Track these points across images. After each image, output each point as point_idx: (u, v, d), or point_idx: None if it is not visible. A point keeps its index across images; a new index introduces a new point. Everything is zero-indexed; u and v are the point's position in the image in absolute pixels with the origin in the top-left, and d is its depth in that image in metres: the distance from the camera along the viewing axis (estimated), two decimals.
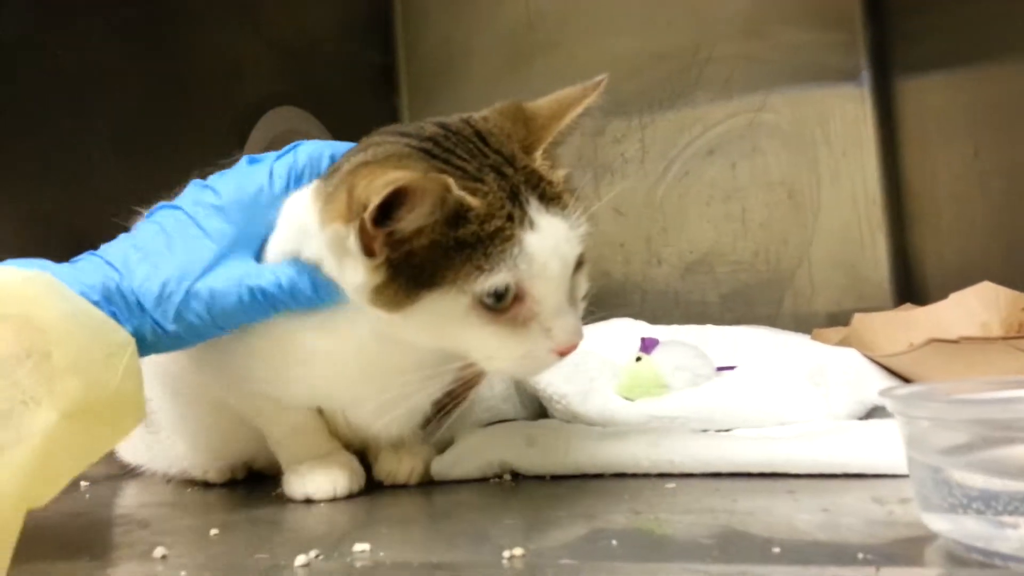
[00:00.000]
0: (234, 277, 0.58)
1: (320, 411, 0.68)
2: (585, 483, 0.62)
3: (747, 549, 0.43)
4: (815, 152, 1.32)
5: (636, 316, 1.13)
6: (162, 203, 0.62)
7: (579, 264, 0.57)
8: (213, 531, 0.55)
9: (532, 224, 0.53)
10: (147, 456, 0.79)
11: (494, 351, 0.55)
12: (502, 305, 0.53)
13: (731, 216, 1.35)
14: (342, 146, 0.62)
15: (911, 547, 0.41)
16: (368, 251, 0.52)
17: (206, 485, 0.76)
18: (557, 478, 0.64)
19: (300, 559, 0.46)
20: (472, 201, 0.51)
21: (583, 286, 0.59)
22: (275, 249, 0.60)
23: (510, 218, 0.52)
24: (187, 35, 1.09)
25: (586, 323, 1.11)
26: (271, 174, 0.61)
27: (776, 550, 0.41)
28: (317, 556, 0.47)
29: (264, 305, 0.58)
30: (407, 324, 0.54)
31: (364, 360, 0.60)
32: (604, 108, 1.52)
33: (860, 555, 0.39)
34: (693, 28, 1.37)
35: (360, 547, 0.48)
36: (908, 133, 1.27)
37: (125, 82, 0.97)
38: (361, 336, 0.58)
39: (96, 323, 0.53)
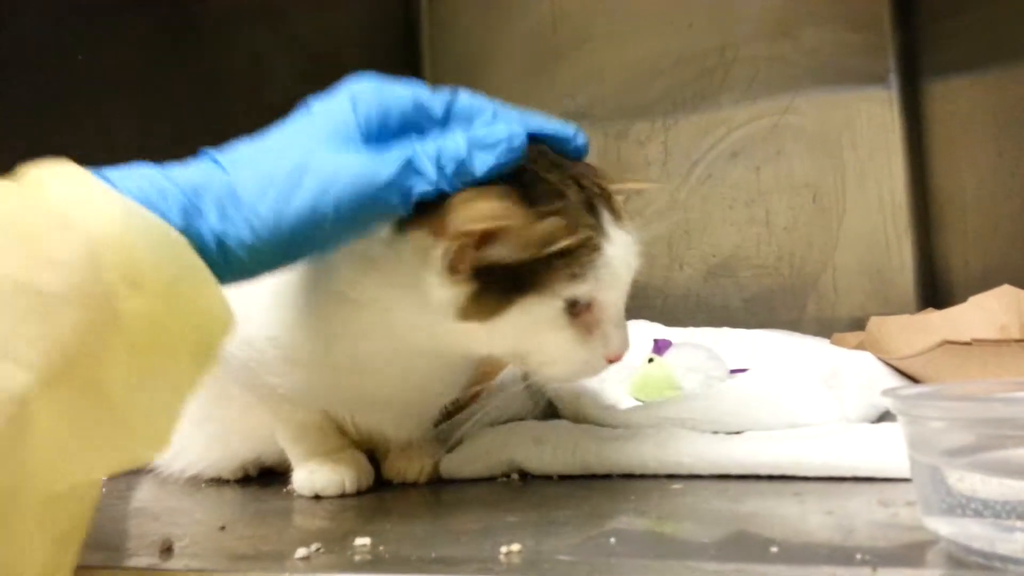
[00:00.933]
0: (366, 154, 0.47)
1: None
2: (592, 483, 0.62)
3: (745, 549, 0.42)
4: (841, 155, 1.31)
5: (657, 320, 1.12)
6: None
7: None
8: (220, 525, 0.56)
9: (608, 236, 0.55)
10: (163, 459, 0.79)
11: (561, 356, 0.56)
12: (574, 311, 0.55)
13: (755, 219, 1.34)
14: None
15: (912, 549, 0.41)
16: (453, 269, 0.52)
17: (220, 481, 0.77)
18: (565, 478, 0.64)
19: (300, 551, 0.47)
20: (560, 228, 0.52)
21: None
22: None
23: (592, 228, 0.54)
24: (212, 38, 1.11)
25: None
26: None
27: (774, 550, 0.41)
28: (318, 549, 0.47)
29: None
30: (490, 332, 0.54)
31: (404, 372, 0.61)
32: (627, 110, 1.52)
33: (858, 556, 0.39)
34: (718, 29, 1.36)
35: (361, 541, 0.48)
36: (935, 137, 1.25)
37: (147, 86, 0.98)
38: (410, 348, 0.59)
39: (162, 227, 0.42)
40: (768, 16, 1.33)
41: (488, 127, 0.50)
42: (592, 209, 0.55)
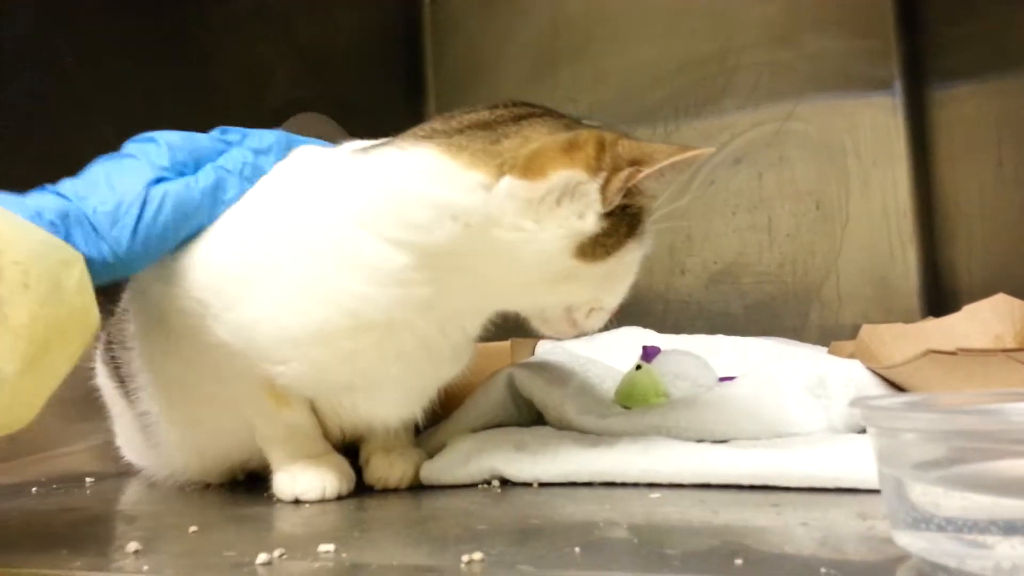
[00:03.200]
0: (184, 179, 0.62)
1: (313, 409, 0.68)
2: (573, 491, 0.61)
3: (708, 561, 0.41)
4: (844, 162, 1.29)
5: (658, 326, 1.11)
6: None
7: None
8: (192, 528, 0.55)
9: None
10: (149, 463, 0.79)
11: (614, 303, 0.63)
12: None
13: (757, 226, 1.33)
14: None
15: (881, 565, 0.39)
16: (606, 201, 0.57)
17: (206, 485, 0.76)
18: (545, 485, 0.63)
19: (262, 557, 0.46)
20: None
21: None
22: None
23: None
24: (211, 43, 1.11)
25: (603, 331, 1.10)
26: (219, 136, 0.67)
27: (738, 562, 0.40)
28: (281, 555, 0.46)
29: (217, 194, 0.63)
30: (592, 272, 0.59)
31: (425, 346, 0.62)
32: (629, 115, 1.51)
33: (823, 570, 0.37)
34: (720, 35, 1.35)
35: (325, 547, 0.47)
36: (940, 144, 1.23)
37: (145, 91, 0.98)
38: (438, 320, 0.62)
39: (45, 237, 0.53)
40: (771, 22, 1.32)
41: (259, 137, 0.67)
42: None
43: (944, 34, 1.22)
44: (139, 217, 0.58)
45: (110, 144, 0.94)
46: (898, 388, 0.62)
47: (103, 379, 0.82)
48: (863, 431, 0.64)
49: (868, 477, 0.53)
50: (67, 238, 0.55)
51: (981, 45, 1.12)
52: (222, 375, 0.65)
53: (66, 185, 0.59)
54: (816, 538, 0.44)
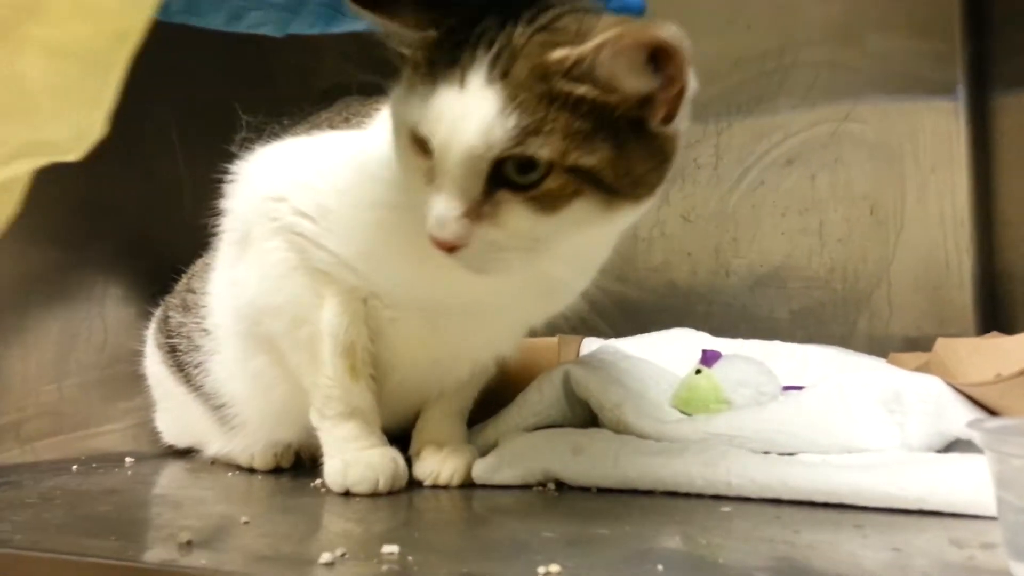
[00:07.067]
0: None
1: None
2: (633, 499, 0.59)
3: None
4: (902, 167, 1.25)
5: (700, 328, 1.08)
6: None
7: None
8: (243, 519, 0.54)
9: None
10: (210, 441, 0.78)
11: None
12: None
13: (807, 230, 1.29)
14: None
15: None
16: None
17: (250, 471, 0.75)
18: (603, 491, 0.61)
19: (325, 556, 0.44)
20: None
21: None
22: None
23: None
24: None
25: (646, 331, 1.07)
26: None
27: None
28: (343, 555, 0.44)
29: None
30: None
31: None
32: None
33: None
34: (778, 31, 1.31)
35: (389, 549, 0.45)
36: (1003, 152, 1.19)
37: (191, 65, 0.96)
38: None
39: None
40: (831, 19, 1.27)
41: None
42: None
43: (1011, 39, 1.18)
44: None
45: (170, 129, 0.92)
46: (984, 408, 0.59)
47: (155, 365, 0.80)
48: (943, 451, 0.61)
49: (955, 500, 0.51)
50: None
51: None
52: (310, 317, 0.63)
53: None
54: (914, 566, 0.41)
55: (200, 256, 0.81)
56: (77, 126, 0.41)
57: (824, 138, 1.28)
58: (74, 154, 0.42)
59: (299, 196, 0.62)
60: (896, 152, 1.24)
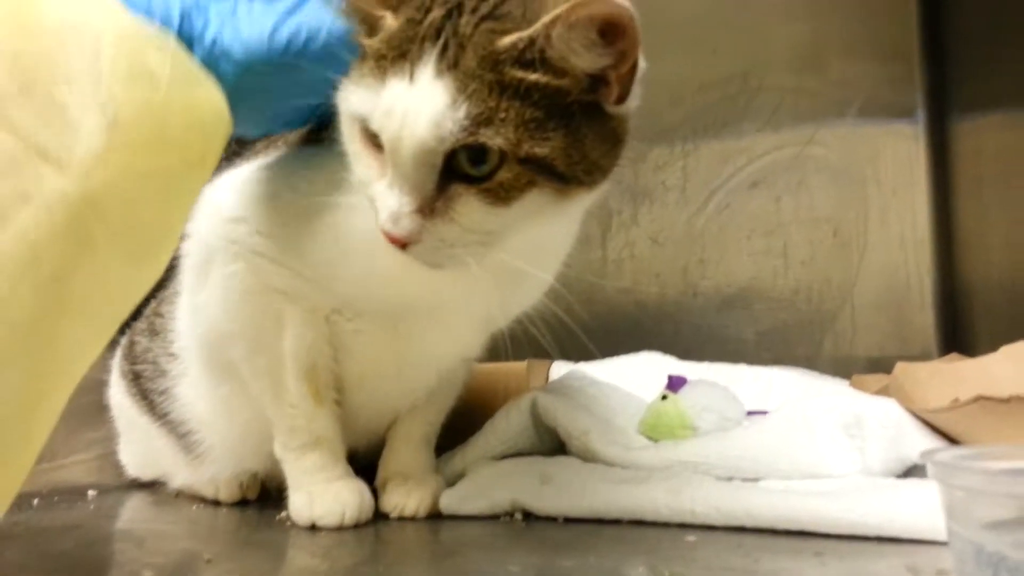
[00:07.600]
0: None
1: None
2: (600, 529, 0.59)
3: None
4: (864, 190, 1.27)
5: (668, 349, 1.09)
6: None
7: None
8: (207, 557, 0.53)
9: None
10: (174, 472, 0.77)
11: None
12: None
13: (772, 251, 1.31)
14: None
15: None
16: None
17: (215, 504, 0.74)
18: (570, 521, 0.61)
19: None
20: None
21: None
22: None
23: None
24: None
25: (613, 355, 1.08)
26: None
27: None
28: None
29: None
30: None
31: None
32: (646, 133, 1.49)
33: None
34: (743, 56, 1.33)
35: None
36: (962, 175, 1.21)
37: None
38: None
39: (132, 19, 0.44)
40: (794, 45, 1.30)
41: None
42: None
43: (968, 63, 1.21)
44: (283, 22, 0.50)
45: None
46: (941, 434, 0.61)
47: (119, 396, 0.79)
48: (902, 475, 0.62)
49: (913, 527, 0.51)
50: (194, 25, 0.48)
51: (1006, 76, 1.11)
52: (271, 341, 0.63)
53: None
54: None
55: (166, 285, 0.80)
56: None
57: (788, 161, 1.30)
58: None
59: (258, 215, 0.62)
60: (858, 175, 1.27)
